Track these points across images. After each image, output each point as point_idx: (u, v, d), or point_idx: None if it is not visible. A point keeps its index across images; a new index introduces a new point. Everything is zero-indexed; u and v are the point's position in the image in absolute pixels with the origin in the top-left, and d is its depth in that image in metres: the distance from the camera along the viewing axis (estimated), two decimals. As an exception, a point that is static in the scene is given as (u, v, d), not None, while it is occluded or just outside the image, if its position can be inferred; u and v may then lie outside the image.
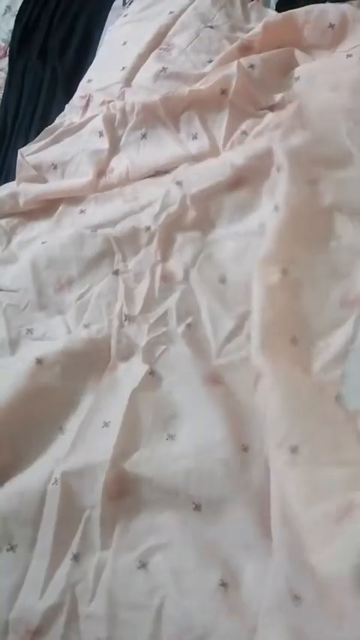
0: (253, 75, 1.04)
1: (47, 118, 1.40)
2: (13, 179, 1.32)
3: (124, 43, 1.25)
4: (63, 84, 1.43)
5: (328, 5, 1.11)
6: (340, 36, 1.05)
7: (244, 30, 1.18)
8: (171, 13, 1.22)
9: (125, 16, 1.34)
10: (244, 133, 1.02)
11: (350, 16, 1.05)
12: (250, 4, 1.25)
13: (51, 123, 1.37)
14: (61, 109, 1.35)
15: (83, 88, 1.29)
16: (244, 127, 1.03)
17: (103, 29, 1.45)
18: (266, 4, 1.30)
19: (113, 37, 1.33)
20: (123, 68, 1.19)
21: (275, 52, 1.07)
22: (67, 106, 1.28)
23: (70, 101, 1.29)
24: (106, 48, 1.34)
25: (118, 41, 1.28)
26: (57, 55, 1.48)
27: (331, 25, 1.06)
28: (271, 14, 1.24)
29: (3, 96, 1.52)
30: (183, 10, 1.21)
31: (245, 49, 1.09)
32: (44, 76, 1.48)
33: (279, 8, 1.30)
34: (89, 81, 1.28)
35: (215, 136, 1.04)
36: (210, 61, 1.12)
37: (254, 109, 1.05)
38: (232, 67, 1.05)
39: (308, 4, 1.27)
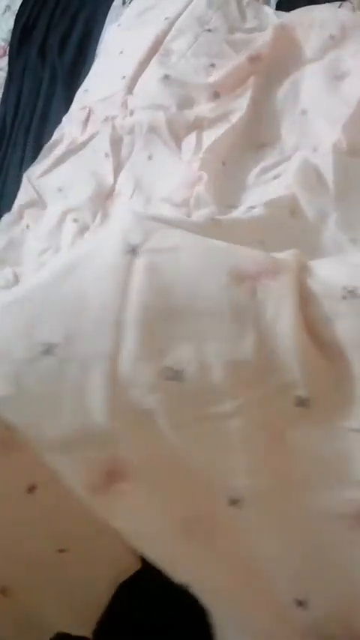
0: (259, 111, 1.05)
1: (47, 117, 1.40)
2: (13, 178, 1.33)
3: (121, 52, 1.24)
4: (62, 82, 1.43)
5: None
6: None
7: (243, 30, 1.18)
8: (166, 19, 1.21)
9: (119, 25, 1.33)
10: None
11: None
12: (245, 2, 1.25)
13: (51, 122, 1.37)
14: (61, 108, 1.35)
15: (81, 99, 1.27)
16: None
17: (102, 28, 1.45)
18: (266, 4, 1.31)
19: (108, 47, 1.32)
20: (124, 77, 1.17)
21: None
22: (64, 118, 1.26)
23: (68, 113, 1.26)
24: (102, 58, 1.33)
25: (115, 51, 1.27)
26: (56, 54, 1.48)
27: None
28: (268, 12, 1.26)
29: (2, 95, 1.52)
30: (179, 15, 1.21)
31: (254, 60, 1.09)
32: (44, 75, 1.48)
33: (279, 7, 1.31)
34: (86, 91, 1.27)
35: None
36: (212, 65, 1.11)
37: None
38: (243, 103, 1.05)
39: (308, 3, 1.28)
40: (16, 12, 1.59)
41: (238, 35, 1.16)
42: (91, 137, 1.15)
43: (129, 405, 0.56)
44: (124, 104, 1.15)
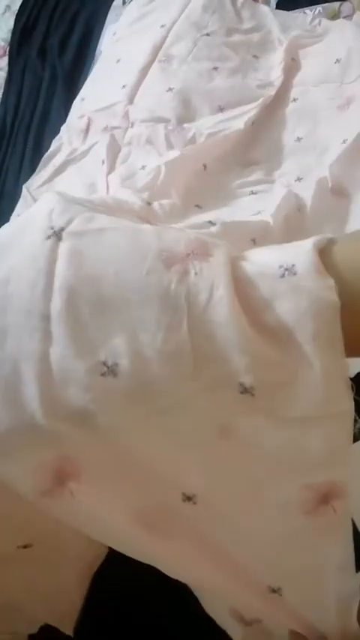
0: None
1: (47, 117, 1.40)
2: (12, 179, 1.33)
3: (118, 61, 1.23)
4: (62, 82, 1.43)
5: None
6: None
7: (240, 31, 1.18)
8: (162, 26, 1.20)
9: (114, 34, 1.32)
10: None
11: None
12: (239, 2, 1.25)
13: (51, 122, 1.37)
14: (61, 108, 1.35)
15: (79, 107, 1.25)
16: None
17: (102, 28, 1.45)
18: (266, 4, 1.31)
19: (105, 56, 1.31)
20: (124, 86, 1.16)
21: None
22: (62, 127, 1.24)
23: (67, 123, 1.25)
24: (98, 66, 1.32)
25: (111, 59, 1.25)
26: (56, 54, 1.48)
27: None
28: (264, 10, 1.25)
29: (2, 95, 1.52)
30: (174, 21, 1.20)
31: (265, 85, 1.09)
32: (44, 75, 1.48)
33: (279, 7, 1.31)
34: (83, 100, 1.25)
35: None
36: (214, 68, 1.11)
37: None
38: (243, 121, 1.03)
39: (309, 3, 1.28)
40: (16, 12, 1.59)
41: (237, 37, 1.15)
42: (91, 147, 1.14)
43: (66, 405, 0.53)
44: (126, 115, 1.12)
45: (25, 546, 0.66)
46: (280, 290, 0.56)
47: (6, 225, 0.67)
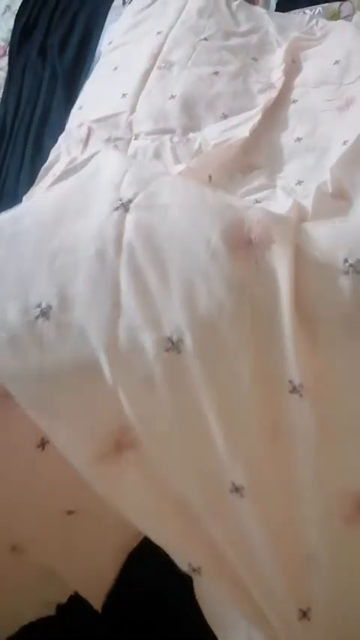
0: None
1: (47, 117, 1.40)
2: (12, 178, 1.33)
3: (116, 69, 1.22)
4: (62, 82, 1.43)
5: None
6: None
7: (238, 34, 1.18)
8: (159, 33, 1.19)
9: (110, 43, 1.31)
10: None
11: None
12: (234, 4, 1.24)
13: (51, 122, 1.37)
14: (61, 108, 1.35)
15: (77, 115, 1.23)
16: None
17: (102, 28, 1.45)
18: (266, 4, 1.31)
19: (101, 63, 1.30)
20: (124, 95, 1.14)
21: None
22: (61, 137, 1.21)
23: (65, 131, 1.22)
24: (96, 74, 1.30)
25: (108, 67, 1.25)
26: (57, 54, 1.48)
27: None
28: (260, 12, 1.25)
29: (3, 95, 1.52)
30: (171, 28, 1.19)
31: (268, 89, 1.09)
32: (44, 75, 1.48)
33: (279, 7, 1.31)
34: (80, 108, 1.24)
35: None
36: (215, 73, 1.10)
37: None
38: (247, 127, 1.02)
39: (309, 3, 1.28)
40: (16, 12, 1.59)
41: (235, 40, 1.15)
42: (92, 156, 1.10)
43: (132, 374, 0.55)
44: (129, 126, 1.11)
45: (69, 512, 0.68)
46: (343, 286, 0.58)
47: (71, 183, 0.67)
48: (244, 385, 0.57)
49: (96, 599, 0.74)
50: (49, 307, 0.55)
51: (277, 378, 0.58)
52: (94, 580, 0.76)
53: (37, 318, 0.55)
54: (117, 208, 0.60)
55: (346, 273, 0.59)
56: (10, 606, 0.73)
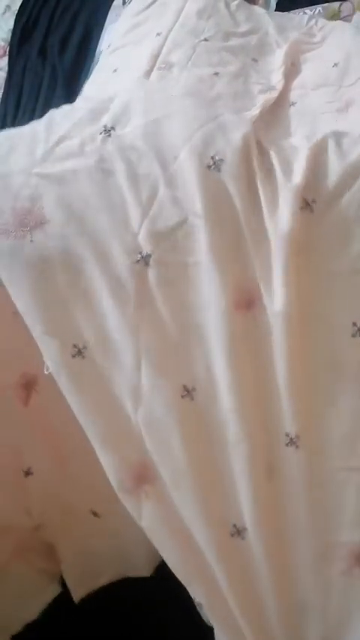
0: None
1: (47, 117, 1.40)
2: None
3: (115, 71, 1.21)
4: (62, 82, 1.43)
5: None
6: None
7: (237, 35, 1.17)
8: (158, 34, 1.19)
9: (109, 46, 1.31)
10: None
11: None
12: (233, 5, 1.24)
13: (51, 122, 1.37)
14: (61, 108, 1.35)
15: None
16: None
17: (102, 28, 1.45)
18: (266, 4, 1.31)
19: (101, 65, 1.30)
20: None
21: None
22: None
23: None
24: (95, 77, 1.29)
25: (108, 69, 1.24)
26: (57, 54, 1.48)
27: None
28: (259, 12, 1.25)
29: (2, 95, 1.52)
30: (170, 29, 1.19)
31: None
32: (44, 75, 1.48)
33: (279, 7, 1.31)
34: None
35: None
36: (215, 74, 1.10)
37: None
38: None
39: (309, 4, 1.28)
40: (16, 12, 1.59)
41: (235, 41, 1.15)
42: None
43: (152, 419, 0.60)
44: None
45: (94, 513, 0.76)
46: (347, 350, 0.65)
47: None
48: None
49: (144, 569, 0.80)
50: None
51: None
52: (88, 577, 0.80)
53: None
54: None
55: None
56: (12, 606, 0.74)
